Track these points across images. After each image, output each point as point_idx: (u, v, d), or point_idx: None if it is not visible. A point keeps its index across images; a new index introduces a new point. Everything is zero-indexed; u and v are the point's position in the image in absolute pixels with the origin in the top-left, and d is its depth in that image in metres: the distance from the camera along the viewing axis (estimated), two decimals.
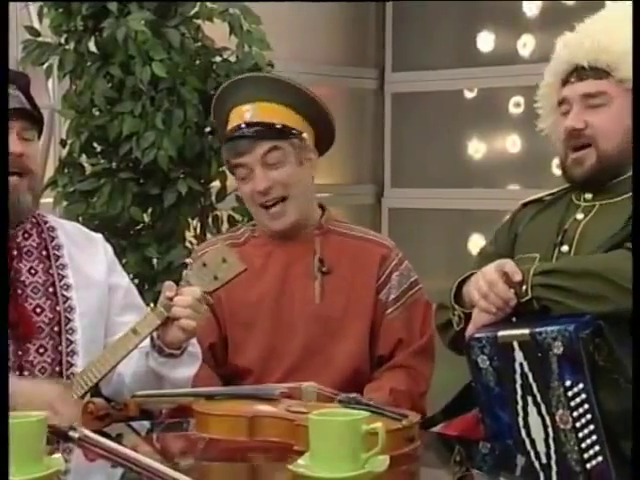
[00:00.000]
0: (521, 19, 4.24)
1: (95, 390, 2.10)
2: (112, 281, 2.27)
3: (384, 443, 1.57)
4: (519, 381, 1.89)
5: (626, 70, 2.04)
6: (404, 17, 4.49)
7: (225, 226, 3.15)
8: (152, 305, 2.08)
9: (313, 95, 2.41)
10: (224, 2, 3.12)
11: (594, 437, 1.83)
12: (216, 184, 3.15)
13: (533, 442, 1.89)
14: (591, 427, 1.83)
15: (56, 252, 2.22)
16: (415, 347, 2.38)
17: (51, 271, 2.19)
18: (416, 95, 4.51)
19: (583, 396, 1.83)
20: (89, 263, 2.25)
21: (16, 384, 1.84)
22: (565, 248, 2.09)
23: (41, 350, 2.12)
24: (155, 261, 3.06)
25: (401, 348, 2.37)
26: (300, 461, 1.62)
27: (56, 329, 2.15)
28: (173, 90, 3.02)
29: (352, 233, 2.45)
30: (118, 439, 1.86)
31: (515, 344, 1.89)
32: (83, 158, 3.13)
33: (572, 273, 1.93)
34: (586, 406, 1.83)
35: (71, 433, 1.78)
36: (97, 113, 3.07)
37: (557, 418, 1.86)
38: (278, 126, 2.34)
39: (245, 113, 2.36)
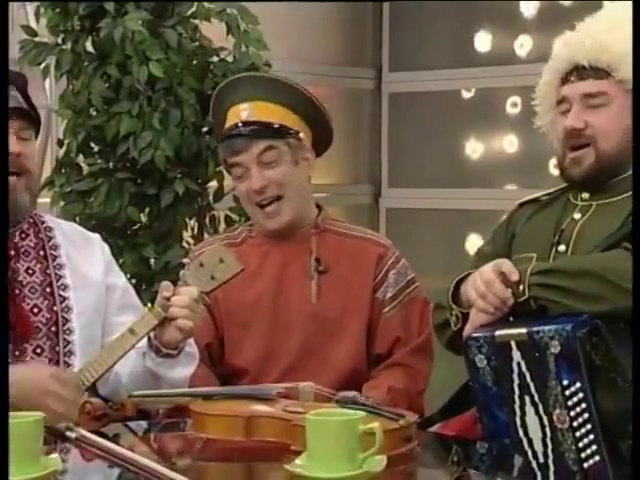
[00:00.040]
0: (518, 19, 4.24)
1: (92, 390, 2.10)
2: (109, 281, 2.27)
3: (381, 443, 1.57)
4: (516, 380, 1.89)
5: (626, 71, 2.03)
6: (401, 17, 4.49)
7: (222, 226, 3.15)
8: (149, 305, 2.08)
9: (310, 95, 2.42)
10: (221, 2, 3.12)
11: (591, 436, 1.83)
12: (213, 184, 3.15)
13: (530, 441, 1.89)
14: (588, 426, 1.83)
15: (53, 252, 2.21)
16: (413, 345, 2.38)
17: (48, 271, 2.19)
18: (413, 95, 4.51)
19: (580, 395, 1.83)
20: (86, 263, 2.25)
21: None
22: (562, 248, 2.09)
23: (38, 350, 2.12)
24: (152, 261, 3.06)
25: (399, 346, 2.38)
26: (297, 461, 1.62)
27: (53, 329, 2.14)
28: (170, 90, 3.02)
29: (349, 232, 2.46)
30: (115, 439, 1.86)
31: (512, 343, 1.89)
32: (80, 158, 3.13)
33: (569, 273, 1.93)
34: (583, 405, 1.83)
35: (68, 433, 1.78)
36: (94, 113, 3.07)
37: (554, 417, 1.86)
38: (275, 125, 2.35)
39: (242, 112, 2.37)
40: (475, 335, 1.95)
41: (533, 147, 4.09)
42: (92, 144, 3.12)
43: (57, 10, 3.07)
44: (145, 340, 2.05)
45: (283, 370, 2.32)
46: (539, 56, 3.78)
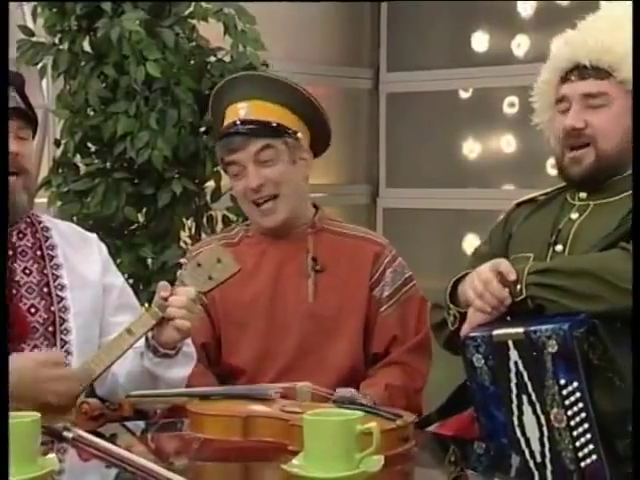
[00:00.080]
0: (515, 19, 4.24)
1: (89, 390, 2.10)
2: (106, 281, 2.27)
3: (378, 443, 1.57)
4: (514, 380, 1.89)
5: (627, 71, 2.03)
6: (399, 17, 4.49)
7: (219, 226, 3.14)
8: (147, 305, 2.08)
9: (309, 95, 2.42)
10: (219, 2, 3.12)
11: (588, 436, 1.83)
12: (211, 184, 3.15)
13: (528, 441, 1.89)
14: (585, 426, 1.83)
15: (50, 252, 2.21)
16: (410, 344, 2.38)
17: (45, 271, 2.19)
18: (411, 95, 4.51)
19: (577, 395, 1.83)
20: (83, 263, 2.25)
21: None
22: (559, 247, 2.09)
23: (36, 350, 2.12)
24: (149, 261, 3.06)
25: (396, 345, 2.38)
26: (294, 461, 1.62)
27: (50, 329, 2.14)
28: (167, 90, 3.02)
29: (345, 231, 2.46)
30: (112, 439, 1.86)
31: (510, 343, 1.90)
32: (77, 158, 3.12)
33: (566, 272, 1.93)
34: (580, 405, 1.83)
35: (65, 433, 1.78)
36: (91, 113, 3.07)
37: (552, 417, 1.86)
38: (273, 124, 2.35)
39: (240, 110, 2.37)
40: (473, 335, 1.95)
41: (530, 147, 4.09)
42: (89, 144, 3.11)
43: (54, 10, 3.06)
44: (143, 340, 2.05)
45: (280, 369, 2.31)
46: (536, 56, 3.78)
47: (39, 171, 3.07)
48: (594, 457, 1.83)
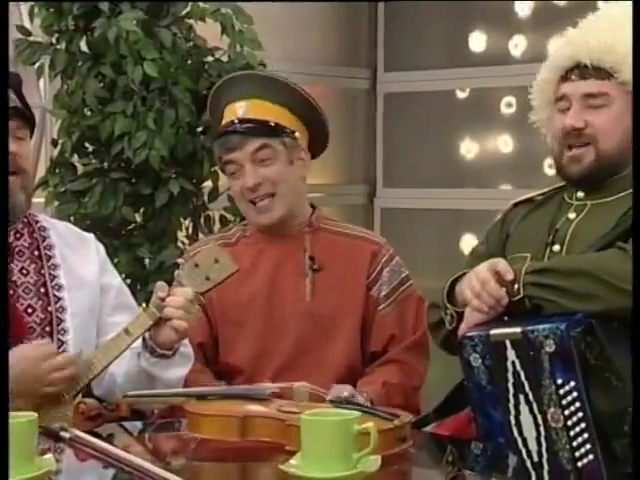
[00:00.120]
0: (513, 19, 4.24)
1: (87, 390, 2.10)
2: (104, 281, 2.27)
3: (376, 443, 1.57)
4: (511, 379, 1.90)
5: (628, 73, 2.03)
6: (396, 17, 4.50)
7: (217, 226, 3.14)
8: (144, 305, 2.08)
9: (308, 96, 2.42)
10: (216, 2, 3.12)
11: (585, 435, 1.83)
12: (208, 184, 3.15)
13: (525, 441, 1.89)
14: (582, 425, 1.83)
15: (48, 252, 2.21)
16: (407, 342, 2.38)
17: (43, 271, 2.18)
18: (408, 95, 4.51)
19: (574, 394, 1.83)
20: (81, 263, 2.25)
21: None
22: (557, 247, 2.09)
23: None
24: (147, 261, 3.06)
25: (393, 344, 2.38)
26: (292, 461, 1.62)
27: (47, 329, 2.14)
28: (165, 90, 3.02)
29: (342, 230, 2.46)
30: (109, 439, 1.86)
31: (507, 342, 1.90)
32: (75, 158, 3.12)
33: (564, 272, 1.93)
34: (577, 404, 1.84)
35: (62, 433, 1.78)
36: (88, 113, 3.07)
37: (549, 416, 1.86)
38: (271, 124, 2.35)
39: (238, 109, 2.37)
40: (470, 334, 1.96)
41: (528, 147, 4.10)
42: (86, 144, 3.11)
43: (51, 10, 3.06)
44: (140, 340, 2.05)
45: (277, 369, 2.31)
46: (534, 56, 3.79)
47: (36, 171, 3.06)
48: (591, 457, 1.83)
